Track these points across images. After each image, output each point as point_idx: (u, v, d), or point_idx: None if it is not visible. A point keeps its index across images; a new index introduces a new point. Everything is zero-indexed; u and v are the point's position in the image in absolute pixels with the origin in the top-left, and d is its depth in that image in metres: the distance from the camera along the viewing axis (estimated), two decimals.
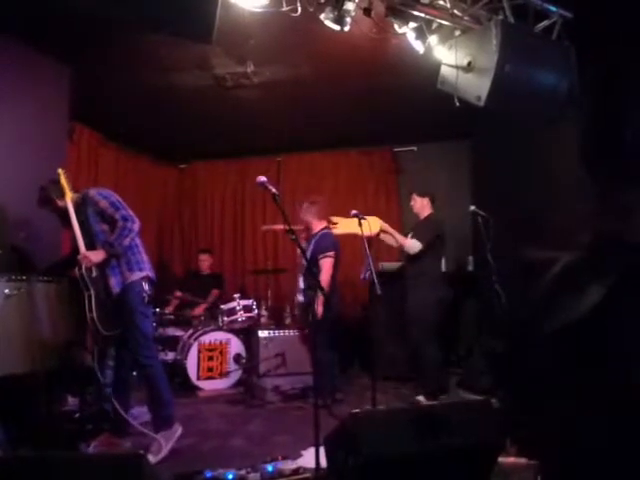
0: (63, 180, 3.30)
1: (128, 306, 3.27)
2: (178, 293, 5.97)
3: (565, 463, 0.87)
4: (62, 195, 3.32)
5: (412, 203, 4.77)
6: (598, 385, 0.84)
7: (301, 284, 4.65)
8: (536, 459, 2.24)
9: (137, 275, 3.32)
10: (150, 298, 3.39)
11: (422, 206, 4.71)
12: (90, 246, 3.25)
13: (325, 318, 4.24)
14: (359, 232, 3.84)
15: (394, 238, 4.62)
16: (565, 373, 0.86)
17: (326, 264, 4.51)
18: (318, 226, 4.76)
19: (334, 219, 4.72)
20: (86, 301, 3.11)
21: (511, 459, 2.71)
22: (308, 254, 4.52)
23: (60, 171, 3.33)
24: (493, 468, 2.23)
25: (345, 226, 4.56)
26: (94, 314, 3.09)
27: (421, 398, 4.36)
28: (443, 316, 4.50)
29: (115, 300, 3.27)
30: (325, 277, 4.46)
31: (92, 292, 3.13)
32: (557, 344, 0.85)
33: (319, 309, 4.20)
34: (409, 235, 4.66)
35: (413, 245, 4.50)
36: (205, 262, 6.40)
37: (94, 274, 3.18)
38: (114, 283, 3.27)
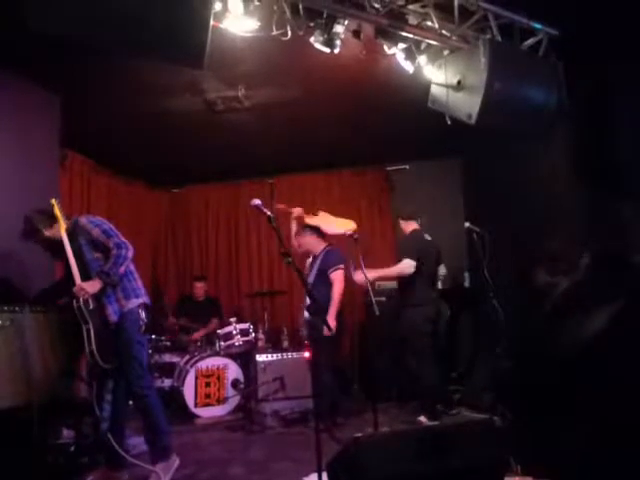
0: (57, 210, 3.26)
1: (125, 335, 3.21)
2: (173, 319, 5.90)
3: None
4: (50, 225, 3.26)
5: (402, 227, 4.81)
6: (601, 408, 0.82)
7: (307, 301, 4.57)
8: (543, 478, 2.20)
9: (134, 302, 3.27)
10: (146, 325, 3.34)
11: (406, 226, 4.77)
12: (84, 275, 3.20)
13: (330, 337, 4.12)
14: (337, 230, 3.95)
15: (389, 274, 4.68)
16: (571, 395, 0.85)
17: (338, 276, 4.53)
18: (321, 245, 4.76)
19: (319, 212, 4.77)
20: (85, 334, 3.05)
21: (516, 478, 2.65)
22: (314, 271, 4.53)
23: (53, 201, 3.27)
24: None
25: (324, 220, 4.67)
26: (93, 347, 3.03)
27: (422, 418, 4.29)
28: (433, 334, 4.44)
29: (112, 329, 3.21)
30: (338, 289, 4.48)
31: (90, 325, 3.07)
32: (563, 368, 0.83)
33: (332, 323, 4.20)
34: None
35: (406, 265, 4.45)
36: (201, 289, 6.36)
37: (91, 306, 3.12)
38: (111, 311, 3.22)
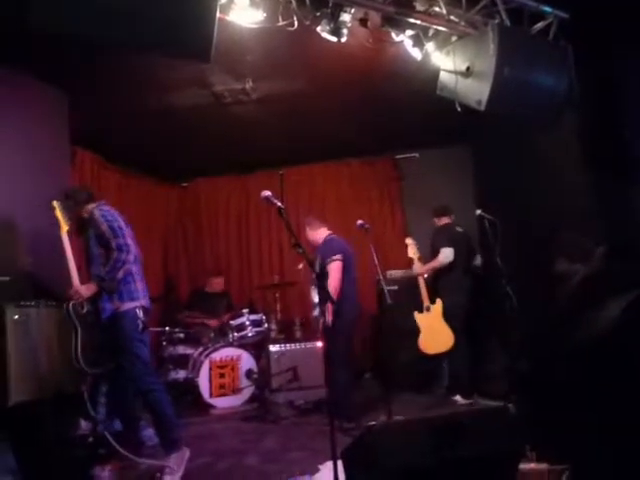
0: (58, 213, 3.30)
1: (122, 333, 3.21)
2: (186, 313, 5.94)
3: (595, 469, 0.85)
4: (87, 202, 3.38)
5: (434, 222, 5.24)
6: (618, 396, 0.82)
7: (315, 298, 4.57)
8: (559, 464, 2.21)
9: (128, 305, 3.26)
10: (145, 325, 3.33)
11: (439, 223, 5.19)
12: (89, 267, 3.26)
13: (337, 330, 4.09)
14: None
15: (434, 267, 4.95)
16: (589, 386, 0.85)
17: (333, 268, 4.29)
18: (322, 235, 4.73)
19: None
20: (72, 337, 3.06)
21: (532, 465, 2.65)
22: (317, 262, 4.47)
23: (55, 204, 3.31)
24: (515, 475, 2.19)
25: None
26: (78, 352, 3.03)
27: (458, 397, 4.61)
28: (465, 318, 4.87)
29: (105, 327, 3.22)
30: (333, 282, 4.22)
31: (79, 330, 3.08)
32: (580, 358, 0.83)
33: (329, 318, 4.03)
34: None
35: (446, 254, 4.85)
36: (219, 284, 6.40)
37: (85, 309, 3.15)
38: (104, 308, 3.24)
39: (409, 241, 5.12)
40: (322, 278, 4.29)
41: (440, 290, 4.94)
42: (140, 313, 3.28)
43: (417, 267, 5.00)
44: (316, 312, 4.56)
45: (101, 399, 3.44)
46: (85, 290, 3.16)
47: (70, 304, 3.09)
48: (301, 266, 5.07)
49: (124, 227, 3.32)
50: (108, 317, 3.23)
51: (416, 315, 4.89)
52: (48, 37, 2.82)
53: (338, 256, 4.35)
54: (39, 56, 3.76)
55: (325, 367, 4.68)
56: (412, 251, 5.05)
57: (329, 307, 4.10)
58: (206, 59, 2.78)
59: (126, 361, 3.21)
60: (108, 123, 5.15)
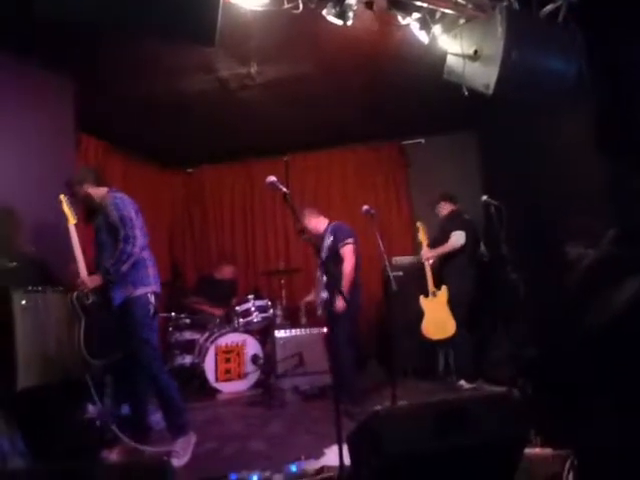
0: (65, 206, 3.30)
1: (133, 319, 3.25)
2: (196, 299, 5.97)
3: (602, 454, 0.85)
4: (95, 184, 3.40)
5: (439, 211, 5.23)
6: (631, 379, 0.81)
7: (323, 282, 4.57)
8: (564, 449, 2.21)
9: (140, 291, 3.29)
10: (156, 310, 3.37)
11: (444, 208, 5.19)
12: (98, 255, 3.28)
13: (347, 313, 4.12)
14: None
15: (445, 250, 4.93)
16: (604, 369, 0.84)
17: (348, 251, 4.37)
18: (324, 222, 4.73)
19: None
20: (76, 327, 3.08)
21: (537, 450, 2.66)
22: (326, 249, 4.48)
23: (62, 197, 3.31)
24: (520, 460, 2.20)
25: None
26: (81, 343, 3.06)
27: (462, 383, 4.64)
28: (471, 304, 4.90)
29: (117, 315, 3.25)
30: (349, 265, 4.32)
31: (82, 321, 3.10)
32: (595, 341, 0.82)
33: (339, 304, 4.07)
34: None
35: (457, 238, 4.87)
36: (230, 272, 6.43)
37: (90, 300, 3.16)
38: (115, 295, 3.26)
39: (420, 225, 5.11)
40: (332, 262, 4.34)
41: (445, 277, 4.93)
42: (152, 298, 3.33)
43: (426, 252, 4.98)
44: (324, 294, 4.55)
45: (106, 390, 3.47)
46: (90, 281, 3.18)
47: (75, 294, 3.11)
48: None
49: (134, 217, 3.33)
50: (120, 304, 3.26)
51: (422, 299, 4.90)
52: (52, 23, 2.81)
53: (351, 240, 4.42)
54: (44, 42, 3.73)
55: (329, 351, 4.70)
56: (422, 235, 5.03)
57: (344, 289, 4.17)
58: (211, 43, 2.75)
59: (136, 346, 3.24)
60: (113, 109, 5.14)
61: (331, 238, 4.48)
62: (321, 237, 4.65)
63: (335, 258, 4.38)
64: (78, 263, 3.20)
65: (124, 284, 3.26)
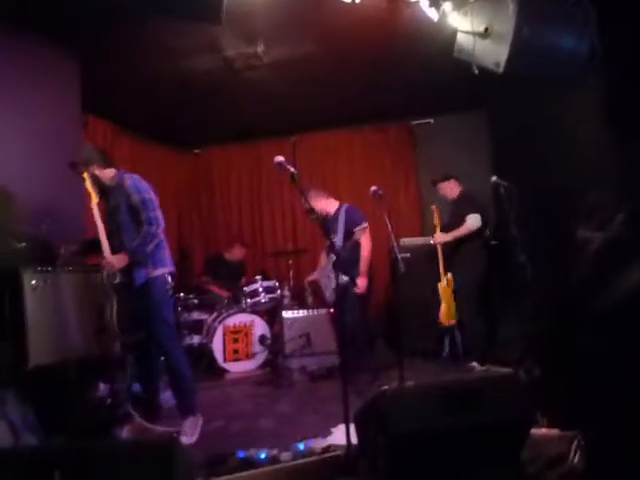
0: (88, 185, 3.28)
1: (153, 298, 3.31)
2: (205, 279, 6.01)
3: (612, 434, 0.85)
4: (103, 165, 3.38)
5: (441, 192, 5.04)
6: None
7: (329, 265, 4.58)
8: (571, 430, 2.22)
9: (160, 271, 3.36)
10: (172, 289, 3.45)
11: (451, 188, 4.97)
12: (115, 236, 3.29)
13: (362, 295, 4.25)
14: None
15: (461, 234, 4.77)
16: (612, 350, 0.84)
17: (365, 234, 4.47)
18: (334, 204, 4.72)
19: None
20: (107, 306, 3.12)
21: (543, 430, 2.67)
22: (340, 232, 4.49)
23: (85, 175, 3.28)
24: (526, 441, 2.21)
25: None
26: (114, 321, 3.11)
27: (474, 364, 4.64)
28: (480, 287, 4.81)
29: (138, 294, 3.29)
30: (367, 247, 4.47)
31: (114, 300, 3.14)
32: (601, 324, 0.82)
33: (362, 284, 4.28)
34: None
35: (474, 220, 4.71)
36: (241, 253, 6.47)
37: (117, 279, 3.19)
38: (138, 275, 3.31)
39: (435, 207, 5.05)
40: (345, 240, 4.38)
41: (456, 261, 4.87)
42: (169, 278, 3.40)
43: (439, 235, 4.89)
44: (332, 276, 4.55)
45: (127, 368, 3.52)
46: (117, 261, 3.20)
47: (105, 274, 3.14)
48: None
49: (154, 199, 3.37)
50: (142, 284, 3.31)
51: (439, 286, 4.88)
52: (60, 2, 2.79)
53: (366, 223, 4.47)
54: (51, 23, 3.71)
55: (337, 331, 4.72)
56: (437, 218, 4.97)
57: (363, 270, 4.34)
58: (217, 21, 2.73)
59: (154, 325, 3.31)
60: (120, 90, 5.12)
61: (346, 220, 4.48)
62: (332, 219, 4.65)
63: (349, 240, 4.40)
64: (102, 243, 3.20)
65: (146, 264, 3.32)
